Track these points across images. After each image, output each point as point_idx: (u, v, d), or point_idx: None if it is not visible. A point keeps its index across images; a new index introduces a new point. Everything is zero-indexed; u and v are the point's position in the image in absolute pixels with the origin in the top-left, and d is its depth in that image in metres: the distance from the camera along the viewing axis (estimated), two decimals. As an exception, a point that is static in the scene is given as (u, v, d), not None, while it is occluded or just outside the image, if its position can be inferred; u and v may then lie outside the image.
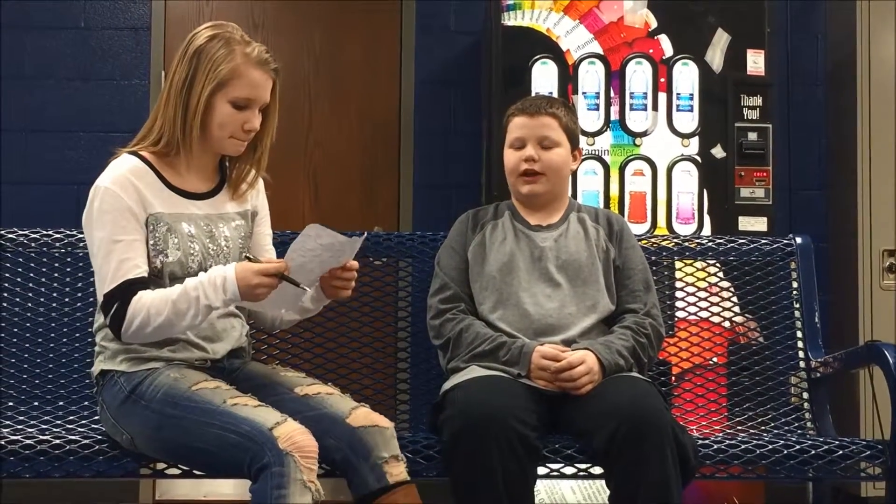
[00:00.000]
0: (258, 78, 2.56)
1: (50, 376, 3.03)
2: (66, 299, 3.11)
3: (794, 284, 3.33)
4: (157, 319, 2.42)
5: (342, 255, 2.51)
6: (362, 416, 2.46)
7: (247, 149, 2.64)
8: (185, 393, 2.40)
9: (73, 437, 2.60)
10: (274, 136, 2.69)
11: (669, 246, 3.40)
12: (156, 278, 2.50)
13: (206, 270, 2.50)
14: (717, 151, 4.18)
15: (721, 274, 3.42)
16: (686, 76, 4.20)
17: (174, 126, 2.54)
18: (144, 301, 2.43)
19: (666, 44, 4.20)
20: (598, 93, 4.18)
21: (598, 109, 4.18)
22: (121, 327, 2.44)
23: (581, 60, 4.17)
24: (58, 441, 2.57)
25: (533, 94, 3.98)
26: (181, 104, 2.53)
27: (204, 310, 2.42)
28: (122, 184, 2.50)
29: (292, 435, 2.26)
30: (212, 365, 2.58)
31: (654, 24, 4.20)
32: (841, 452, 2.74)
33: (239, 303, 2.46)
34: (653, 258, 3.31)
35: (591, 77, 4.18)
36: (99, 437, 2.61)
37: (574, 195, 4.09)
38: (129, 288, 2.44)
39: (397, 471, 2.41)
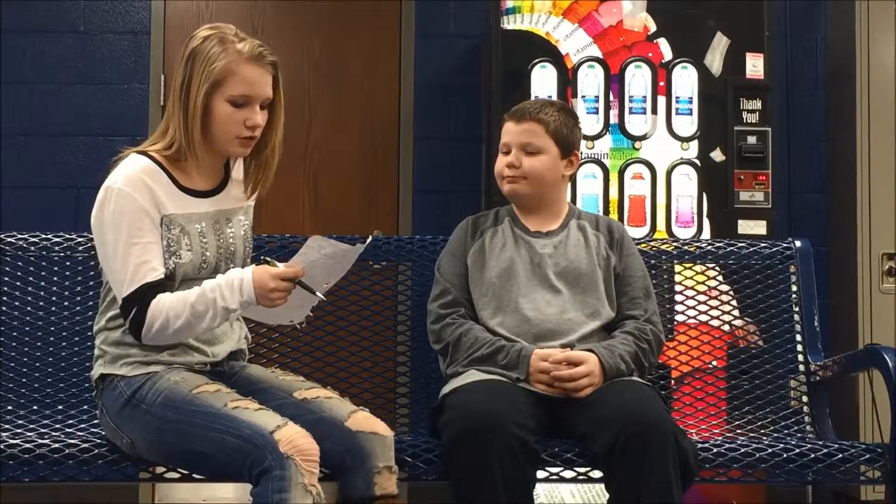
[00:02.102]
0: (253, 73, 2.53)
1: (49, 380, 3.02)
2: (66, 303, 3.10)
3: (794, 288, 3.32)
4: (176, 322, 2.42)
5: (345, 261, 2.52)
6: (362, 420, 2.46)
7: (254, 149, 2.61)
8: (186, 397, 2.40)
9: (72, 441, 2.59)
10: (281, 133, 2.65)
11: (669, 249, 3.40)
12: (168, 280, 2.49)
13: (216, 269, 2.50)
14: (717, 155, 4.19)
15: (720, 277, 3.42)
16: (685, 80, 4.20)
17: (180, 131, 2.52)
18: (163, 304, 2.42)
19: (665, 47, 4.21)
20: (597, 96, 4.18)
21: (597, 113, 4.18)
22: (140, 331, 2.44)
23: (580, 64, 4.17)
24: (57, 445, 2.57)
25: (532, 98, 3.99)
26: (181, 107, 2.52)
27: (222, 312, 2.42)
28: (136, 185, 2.47)
29: (293, 438, 2.26)
30: (211, 368, 2.58)
31: (653, 27, 4.21)
32: (840, 456, 2.74)
33: (254, 306, 2.45)
34: (652, 262, 3.31)
35: (591, 81, 4.18)
36: (99, 440, 2.60)
37: (573, 199, 4.09)
38: (148, 291, 2.43)
39: (387, 483, 2.41)
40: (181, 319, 2.41)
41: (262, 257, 2.60)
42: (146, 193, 2.48)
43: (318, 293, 2.46)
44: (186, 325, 2.42)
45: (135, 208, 2.46)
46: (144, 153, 2.55)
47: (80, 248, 3.11)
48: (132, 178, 2.48)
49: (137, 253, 2.45)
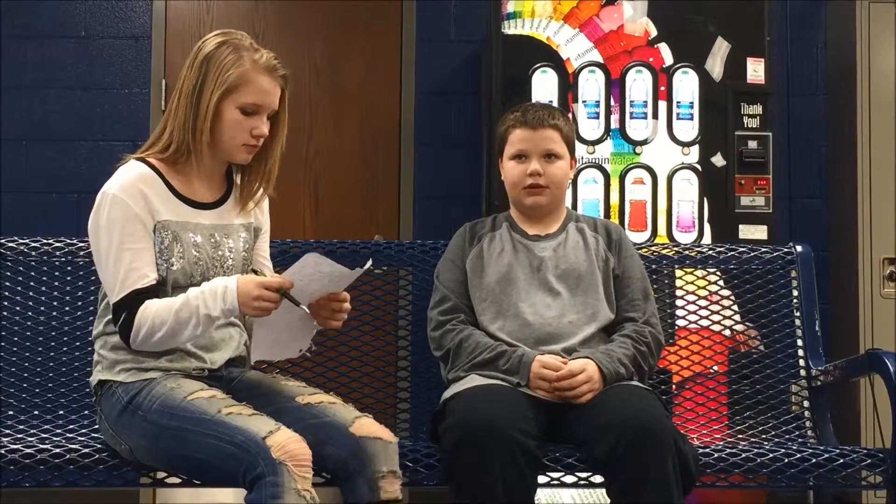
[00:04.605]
0: (266, 84, 2.58)
1: (50, 385, 3.02)
2: (66, 308, 3.10)
3: (795, 293, 3.32)
4: (161, 329, 2.43)
5: (341, 282, 2.52)
6: (366, 425, 2.45)
7: (255, 160, 2.64)
8: (181, 403, 2.40)
9: (73, 447, 2.59)
10: (283, 147, 2.68)
11: (670, 254, 3.40)
12: (161, 286, 2.51)
13: (209, 280, 2.50)
14: (718, 160, 4.19)
15: (721, 282, 3.41)
16: (686, 85, 4.21)
17: (184, 132, 2.54)
18: (149, 311, 2.44)
19: (666, 52, 4.21)
20: (598, 101, 4.18)
21: (598, 118, 4.18)
22: (129, 336, 2.46)
23: (581, 69, 4.17)
24: (58, 450, 2.57)
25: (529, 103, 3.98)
26: (191, 110, 2.53)
27: (204, 319, 2.43)
28: (130, 191, 2.50)
29: (285, 444, 2.25)
30: (210, 374, 2.58)
31: (654, 32, 4.21)
32: (842, 461, 2.73)
33: (237, 314, 2.46)
34: (653, 267, 3.31)
35: (592, 85, 4.19)
36: (99, 446, 2.60)
37: (574, 204, 4.09)
38: (136, 298, 2.45)
39: (392, 488, 2.40)
40: (166, 326, 2.43)
41: (249, 268, 2.61)
42: (140, 200, 2.50)
43: (301, 305, 2.46)
44: (171, 332, 2.44)
45: (128, 214, 2.48)
46: (143, 159, 2.57)
47: (81, 254, 3.12)
48: (126, 185, 2.50)
49: (128, 259, 2.47)
